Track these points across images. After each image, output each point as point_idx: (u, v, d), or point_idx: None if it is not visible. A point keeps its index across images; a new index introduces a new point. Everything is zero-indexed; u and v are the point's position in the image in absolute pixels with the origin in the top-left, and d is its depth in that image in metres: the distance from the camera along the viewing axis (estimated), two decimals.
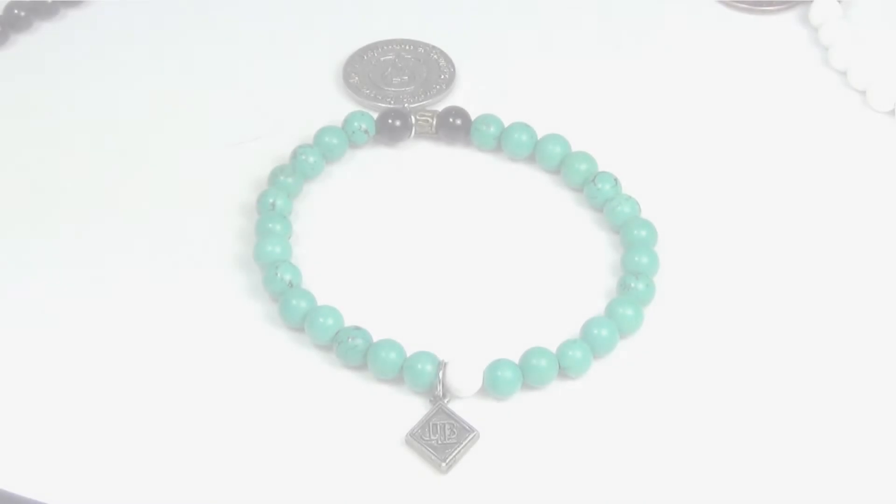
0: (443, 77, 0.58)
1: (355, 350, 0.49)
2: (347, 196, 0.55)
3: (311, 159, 0.55)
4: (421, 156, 0.56)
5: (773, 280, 0.52)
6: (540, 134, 0.55)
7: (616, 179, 0.54)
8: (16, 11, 0.59)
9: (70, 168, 0.55)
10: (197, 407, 0.48)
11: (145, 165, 0.55)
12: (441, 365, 0.49)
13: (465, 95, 0.58)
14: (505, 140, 0.55)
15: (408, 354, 0.49)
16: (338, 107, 0.57)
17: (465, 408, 0.48)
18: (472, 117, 0.56)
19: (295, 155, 0.55)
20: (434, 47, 0.59)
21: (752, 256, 0.52)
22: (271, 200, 0.53)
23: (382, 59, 0.59)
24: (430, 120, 0.56)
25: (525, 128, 0.55)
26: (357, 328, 0.49)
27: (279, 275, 0.51)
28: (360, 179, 0.55)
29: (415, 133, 0.56)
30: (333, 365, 0.50)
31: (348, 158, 0.56)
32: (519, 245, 0.53)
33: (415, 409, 0.49)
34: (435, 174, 0.55)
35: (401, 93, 0.57)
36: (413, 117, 0.56)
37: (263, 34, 0.60)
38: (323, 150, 0.55)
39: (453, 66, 0.58)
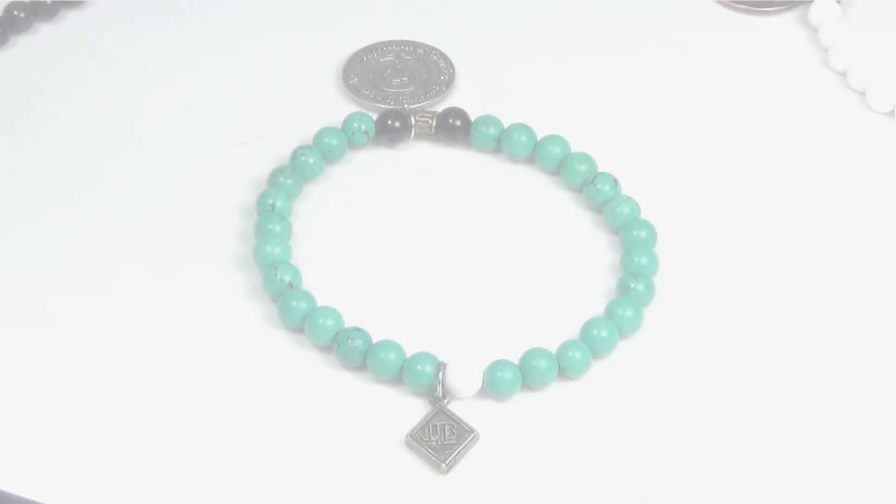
0: (442, 78, 0.58)
1: (355, 351, 0.49)
2: (347, 197, 0.55)
3: (311, 160, 0.55)
4: (421, 157, 0.56)
5: (772, 280, 0.52)
6: (539, 135, 0.55)
7: (616, 180, 0.54)
8: (15, 12, 0.59)
9: (70, 168, 0.55)
10: (196, 407, 0.48)
11: (145, 166, 0.55)
12: (441, 366, 0.49)
13: (465, 96, 0.58)
14: (505, 141, 0.55)
15: (407, 355, 0.49)
16: (337, 108, 0.57)
17: (464, 409, 0.48)
18: (472, 118, 0.56)
19: (295, 156, 0.55)
20: (433, 48, 0.59)
21: (751, 257, 0.52)
22: (271, 201, 0.53)
23: (382, 59, 0.59)
24: (429, 121, 0.56)
25: (525, 129, 0.55)
26: (357, 329, 0.49)
27: (279, 276, 0.51)
28: (360, 180, 0.55)
29: (414, 134, 0.56)
30: (333, 366, 0.50)
31: (348, 159, 0.56)
32: (518, 246, 0.53)
33: (414, 409, 0.49)
34: (435, 175, 0.55)
35: (400, 94, 0.57)
36: (413, 118, 0.56)
37: (263, 35, 0.60)
38: (323, 150, 0.55)
39: (453, 66, 0.58)
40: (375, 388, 0.49)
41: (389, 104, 0.57)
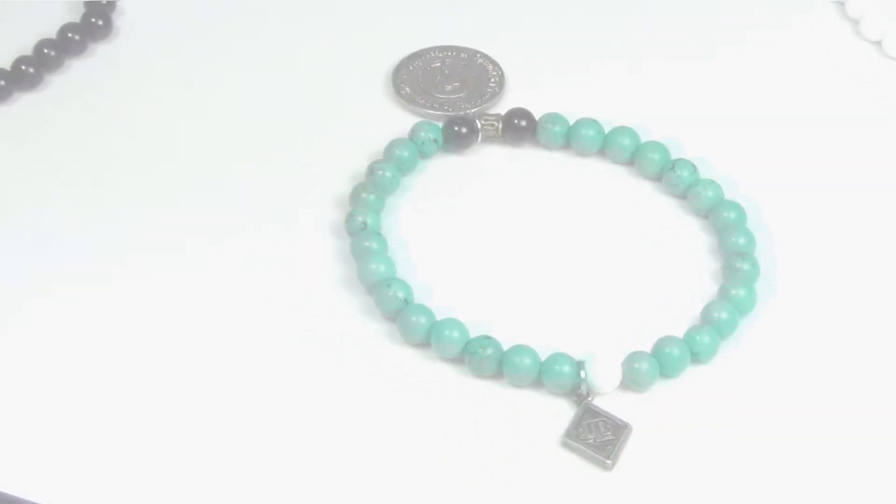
0: (492, 80, 0.58)
1: (489, 360, 0.49)
2: (428, 207, 0.54)
3: (388, 173, 0.54)
4: (491, 160, 0.56)
5: (865, 247, 0.53)
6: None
7: (694, 165, 0.54)
8: (46, 51, 0.57)
9: (145, 206, 0.54)
10: (343, 436, 0.48)
11: (216, 201, 0.54)
12: (580, 364, 0.49)
13: (517, 96, 0.57)
14: (573, 136, 0.56)
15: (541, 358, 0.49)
16: (391, 118, 0.57)
17: (605, 404, 0.49)
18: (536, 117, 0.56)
19: (371, 170, 0.54)
20: (476, 51, 0.59)
21: (839, 228, 0.53)
22: (360, 219, 0.52)
23: (430, 67, 0.58)
24: (495, 124, 0.56)
25: (593, 123, 0.55)
26: (486, 337, 0.49)
27: (392, 293, 0.50)
28: (436, 189, 0.55)
29: (481, 138, 0.56)
30: (465, 376, 0.49)
31: (420, 169, 0.55)
32: (610, 238, 0.53)
33: (556, 410, 0.48)
34: (509, 177, 0.55)
35: (455, 99, 0.57)
36: (478, 122, 0.56)
37: (300, 56, 0.59)
38: (397, 163, 0.54)
39: (500, 68, 0.58)
40: (513, 394, 0.49)
41: (447, 111, 0.57)
